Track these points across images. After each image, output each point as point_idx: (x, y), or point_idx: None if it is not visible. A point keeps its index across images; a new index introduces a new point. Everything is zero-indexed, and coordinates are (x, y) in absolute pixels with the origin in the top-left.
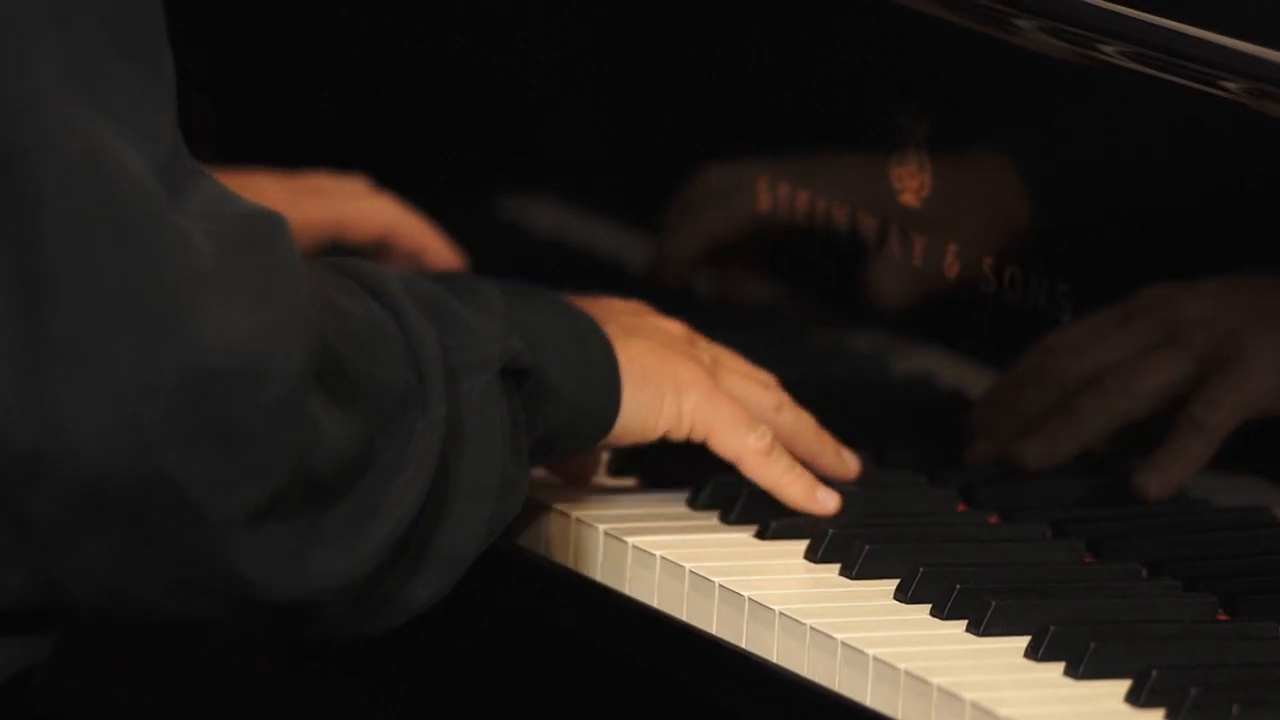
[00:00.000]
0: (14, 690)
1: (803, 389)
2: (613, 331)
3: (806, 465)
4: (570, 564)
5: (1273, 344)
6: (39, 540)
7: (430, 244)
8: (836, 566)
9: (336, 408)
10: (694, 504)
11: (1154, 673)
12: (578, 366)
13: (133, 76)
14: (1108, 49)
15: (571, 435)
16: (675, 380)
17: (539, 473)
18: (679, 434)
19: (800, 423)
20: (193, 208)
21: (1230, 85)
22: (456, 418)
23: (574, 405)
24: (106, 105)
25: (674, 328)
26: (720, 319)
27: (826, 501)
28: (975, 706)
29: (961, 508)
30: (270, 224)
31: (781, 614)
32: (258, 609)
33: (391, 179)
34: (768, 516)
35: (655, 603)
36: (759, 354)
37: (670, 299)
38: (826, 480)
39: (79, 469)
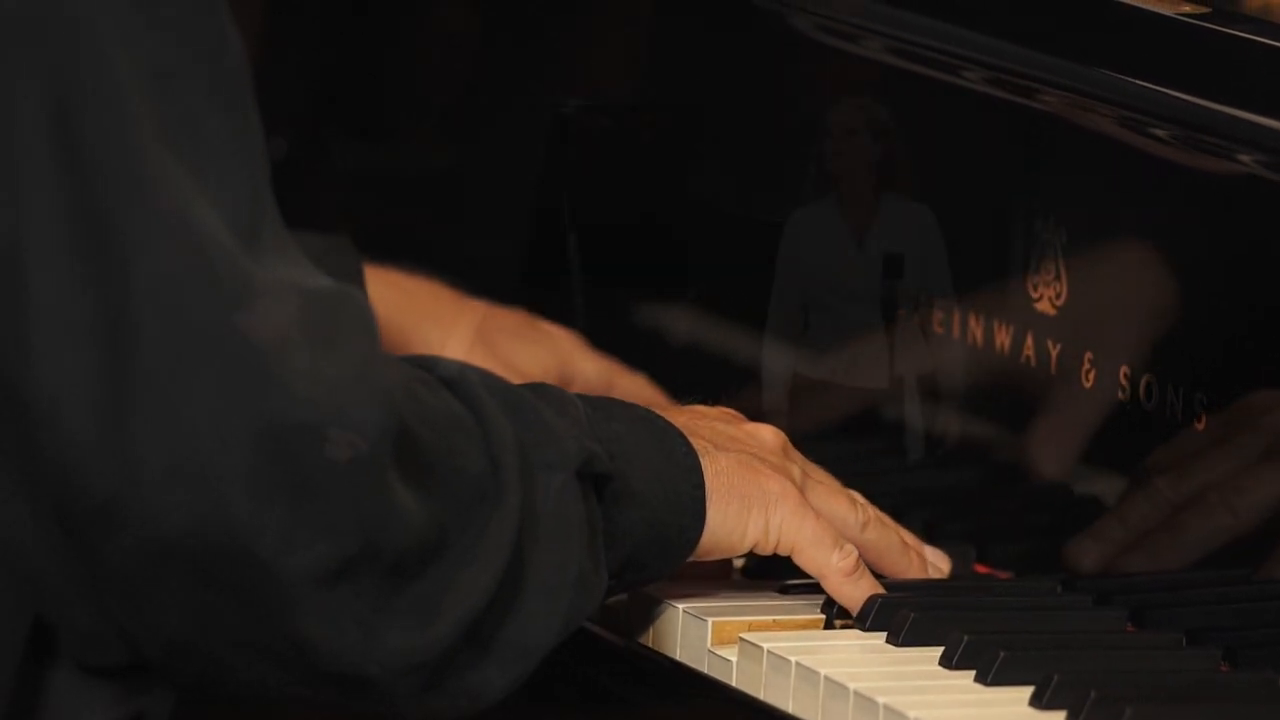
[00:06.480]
0: None
1: (935, 496)
2: (700, 445)
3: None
4: (705, 669)
5: None
6: (110, 586)
7: (653, 402)
8: (972, 673)
9: (412, 487)
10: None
11: None
12: (662, 477)
13: (225, 135)
14: (1245, 158)
15: (657, 546)
16: (763, 493)
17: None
18: (766, 548)
19: (886, 539)
20: (276, 268)
21: None
22: (531, 511)
23: (658, 515)
24: (197, 162)
25: (767, 436)
26: (851, 425)
27: None
28: None
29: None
30: (351, 295)
31: None
32: (323, 679)
33: (533, 284)
34: (900, 623)
35: (790, 708)
36: (889, 462)
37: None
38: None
39: (153, 519)
